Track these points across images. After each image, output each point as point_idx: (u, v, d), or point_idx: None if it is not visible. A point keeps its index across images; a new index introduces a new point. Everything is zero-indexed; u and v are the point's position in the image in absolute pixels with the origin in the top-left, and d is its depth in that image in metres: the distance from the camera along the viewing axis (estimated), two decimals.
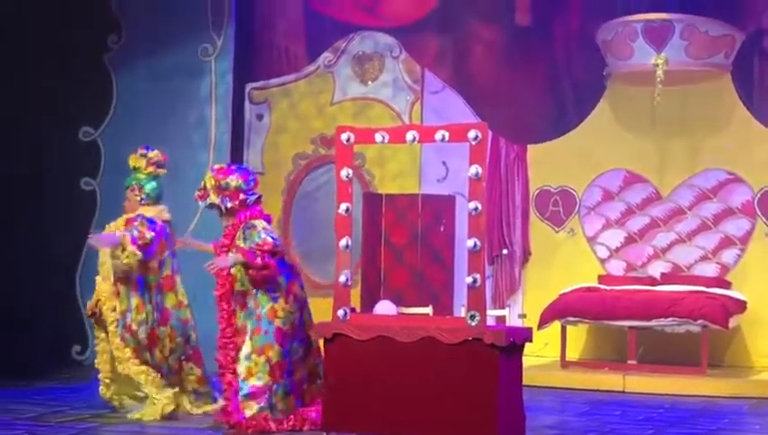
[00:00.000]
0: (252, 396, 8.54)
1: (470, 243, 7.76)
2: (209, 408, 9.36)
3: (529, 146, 13.51)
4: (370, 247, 11.63)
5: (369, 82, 13.49)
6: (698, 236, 13.02)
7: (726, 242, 12.92)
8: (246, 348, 8.57)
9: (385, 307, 8.53)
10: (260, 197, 8.88)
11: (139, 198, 9.38)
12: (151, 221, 9.22)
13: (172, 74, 12.91)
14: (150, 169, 9.44)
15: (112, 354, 9.24)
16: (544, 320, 12.04)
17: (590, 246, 13.37)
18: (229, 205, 8.71)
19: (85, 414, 9.24)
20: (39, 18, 12.10)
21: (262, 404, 8.52)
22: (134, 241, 9.00)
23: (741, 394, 11.12)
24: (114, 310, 9.15)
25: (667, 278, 12.69)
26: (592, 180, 13.37)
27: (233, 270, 8.60)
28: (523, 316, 12.39)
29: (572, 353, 12.52)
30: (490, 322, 8.52)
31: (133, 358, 9.13)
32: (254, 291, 8.60)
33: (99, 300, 9.25)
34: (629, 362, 11.92)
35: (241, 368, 8.57)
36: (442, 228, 11.80)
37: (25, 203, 11.90)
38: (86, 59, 12.92)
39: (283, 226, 13.17)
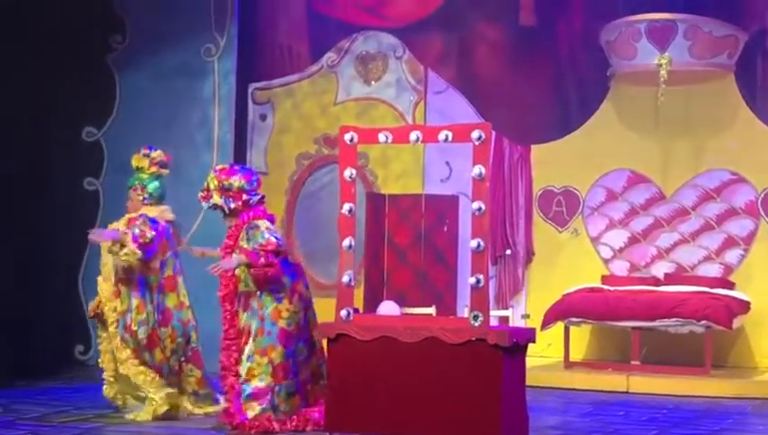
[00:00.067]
0: (254, 397, 8.53)
1: (473, 243, 7.76)
2: (211, 409, 9.36)
3: (532, 146, 13.51)
4: (373, 248, 11.62)
5: (373, 82, 13.48)
6: (702, 236, 13.02)
7: (730, 242, 12.91)
8: (249, 349, 8.57)
9: (388, 308, 8.52)
10: (263, 197, 8.87)
11: (141, 198, 9.38)
12: (153, 221, 9.22)
13: (175, 75, 12.91)
14: (153, 168, 9.44)
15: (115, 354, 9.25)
16: (548, 320, 12.03)
17: (594, 246, 13.37)
18: (232, 205, 8.71)
19: (88, 414, 9.24)
20: (42, 18, 12.10)
21: (264, 405, 8.51)
22: (135, 239, 9.00)
23: (744, 395, 11.11)
24: (115, 310, 9.16)
25: (670, 279, 12.68)
26: (596, 180, 13.37)
27: (237, 271, 8.59)
28: (526, 317, 12.40)
29: (576, 354, 12.51)
30: (493, 322, 8.52)
31: (132, 358, 9.13)
32: (258, 292, 8.59)
33: (100, 301, 9.26)
34: (633, 362, 11.91)
35: (243, 369, 8.57)
36: (445, 229, 11.79)
37: (28, 203, 11.90)
38: (89, 59, 12.93)
39: (287, 226, 13.17)
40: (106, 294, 9.19)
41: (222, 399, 8.97)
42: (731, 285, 12.51)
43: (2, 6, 11.31)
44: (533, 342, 8.24)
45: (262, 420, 8.47)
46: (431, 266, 11.60)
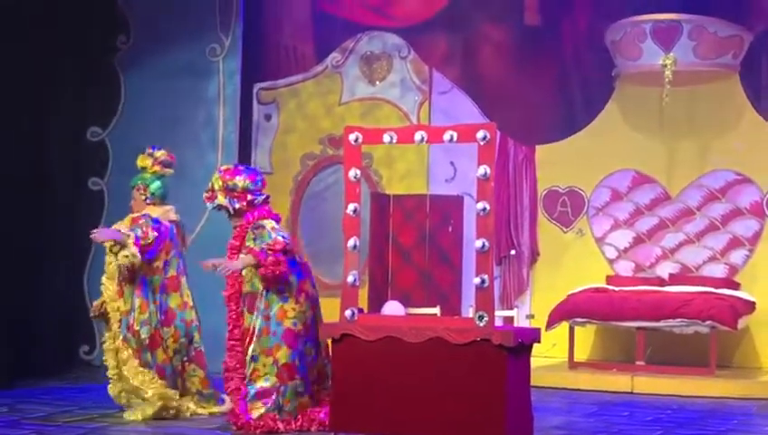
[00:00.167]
0: (259, 397, 8.54)
1: (478, 243, 7.76)
2: (215, 409, 9.37)
3: (537, 146, 13.50)
4: (378, 248, 11.61)
5: (377, 83, 13.48)
6: (707, 236, 13.01)
7: (735, 243, 12.90)
8: (252, 349, 8.57)
9: (393, 308, 8.53)
10: (268, 197, 8.87)
11: (144, 198, 9.39)
12: (156, 221, 9.23)
13: (180, 74, 12.91)
14: (156, 168, 9.45)
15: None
16: (552, 321, 12.03)
17: (599, 246, 13.36)
18: (237, 206, 8.72)
19: (93, 414, 9.24)
20: (47, 18, 12.10)
21: (269, 405, 8.51)
22: (137, 241, 9.01)
23: (750, 395, 11.10)
24: (118, 310, 9.16)
25: (675, 279, 12.67)
26: (601, 181, 13.36)
27: (243, 271, 8.60)
28: (531, 317, 12.42)
29: (580, 354, 12.50)
30: (498, 322, 8.51)
31: (132, 358, 9.13)
32: (264, 291, 8.59)
33: (104, 301, 9.26)
34: (638, 362, 11.90)
35: (248, 369, 8.57)
36: (450, 229, 11.78)
37: (33, 203, 11.90)
38: (94, 59, 12.94)
39: (291, 226, 13.16)
40: (110, 293, 9.20)
41: (227, 399, 8.98)
42: (736, 286, 12.50)
43: (5, 6, 11.31)
44: (538, 342, 8.24)
45: (266, 421, 8.48)
46: (436, 267, 11.59)
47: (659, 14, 12.58)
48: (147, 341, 9.17)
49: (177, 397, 9.25)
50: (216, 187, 8.77)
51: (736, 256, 12.89)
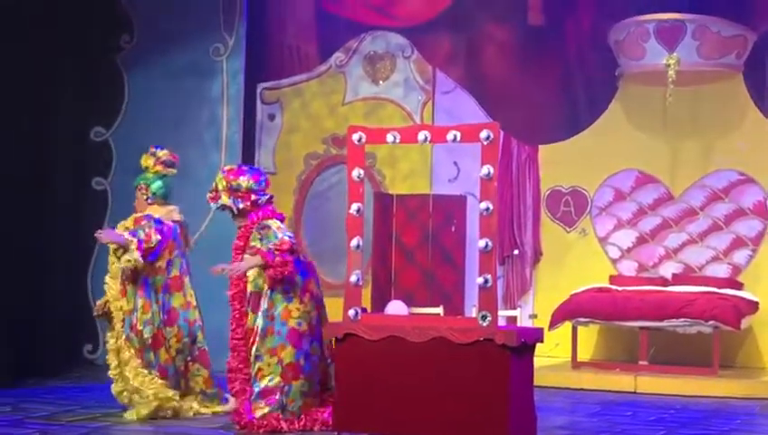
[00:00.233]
0: (262, 396, 8.54)
1: (481, 243, 7.76)
2: (219, 408, 9.38)
3: (540, 146, 13.51)
4: (381, 247, 11.62)
5: (381, 82, 13.49)
6: (710, 236, 13.01)
7: (738, 243, 12.90)
8: (256, 349, 8.57)
9: (396, 307, 8.53)
10: (272, 197, 8.88)
11: (145, 197, 9.41)
12: (158, 222, 9.24)
13: (184, 74, 12.92)
14: (158, 167, 9.46)
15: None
16: (555, 320, 12.03)
17: (602, 246, 13.36)
18: (241, 206, 8.73)
19: (96, 413, 9.25)
20: (50, 18, 12.11)
21: (272, 405, 8.52)
22: (140, 244, 9.01)
23: (753, 395, 11.10)
24: (121, 309, 9.17)
25: (678, 279, 12.68)
26: (604, 181, 13.37)
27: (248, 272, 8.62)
28: (534, 317, 12.40)
29: (584, 354, 12.51)
30: (501, 322, 8.52)
31: (134, 358, 9.13)
32: (269, 291, 8.59)
33: (108, 300, 9.27)
34: (641, 362, 11.90)
35: (252, 369, 8.58)
36: (453, 229, 11.78)
37: (36, 203, 11.91)
38: (98, 58, 12.95)
39: (295, 225, 13.17)
40: (113, 292, 9.21)
41: (230, 398, 8.99)
42: (739, 286, 12.50)
43: (5, 6, 11.31)
44: (541, 342, 8.24)
45: (270, 420, 8.48)
46: (439, 266, 11.60)
47: (663, 13, 12.58)
48: (150, 340, 9.17)
49: (177, 397, 9.24)
50: (220, 187, 8.78)
51: (739, 256, 12.89)
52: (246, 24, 13.07)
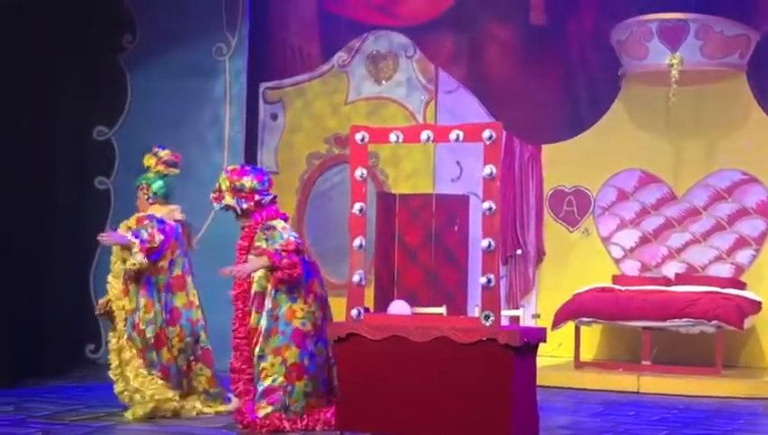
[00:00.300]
0: (265, 396, 8.54)
1: (484, 243, 7.75)
2: (222, 408, 9.38)
3: (543, 146, 13.50)
4: (384, 247, 11.61)
5: (383, 82, 13.48)
6: (713, 236, 13.00)
7: (741, 242, 12.89)
8: (260, 349, 8.57)
9: (399, 307, 8.52)
10: (275, 197, 8.88)
11: (146, 197, 9.41)
12: (161, 222, 9.24)
13: (186, 74, 12.92)
14: (160, 167, 9.46)
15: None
16: (558, 320, 12.03)
17: (605, 246, 13.35)
18: (245, 206, 8.73)
19: (99, 413, 9.25)
20: (53, 17, 12.12)
21: (275, 405, 8.51)
22: (143, 244, 9.01)
23: (756, 395, 11.09)
24: (123, 308, 9.17)
25: (681, 279, 12.67)
26: (607, 180, 13.36)
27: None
28: (536, 316, 12.37)
29: (586, 354, 12.50)
30: (504, 322, 8.50)
31: (135, 358, 9.13)
32: (273, 291, 8.59)
33: (110, 299, 9.28)
34: (644, 362, 11.90)
35: (256, 369, 8.57)
36: (456, 228, 11.78)
37: (39, 202, 11.92)
38: (101, 58, 12.95)
39: (298, 225, 13.17)
40: (115, 292, 9.21)
41: (233, 398, 8.98)
42: (742, 286, 12.49)
43: (5, 6, 11.32)
44: (544, 341, 8.24)
45: (272, 420, 8.48)
46: (442, 266, 11.59)
47: (666, 13, 12.56)
48: (152, 340, 9.17)
49: (177, 398, 9.24)
50: (224, 187, 8.77)
51: (742, 256, 12.88)
52: (249, 23, 13.08)
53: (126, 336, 9.15)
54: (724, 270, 12.85)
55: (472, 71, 13.80)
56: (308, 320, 8.60)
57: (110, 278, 9.29)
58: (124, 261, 9.11)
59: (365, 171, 8.09)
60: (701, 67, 12.54)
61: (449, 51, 13.89)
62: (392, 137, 8.08)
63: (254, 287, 8.62)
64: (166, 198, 9.46)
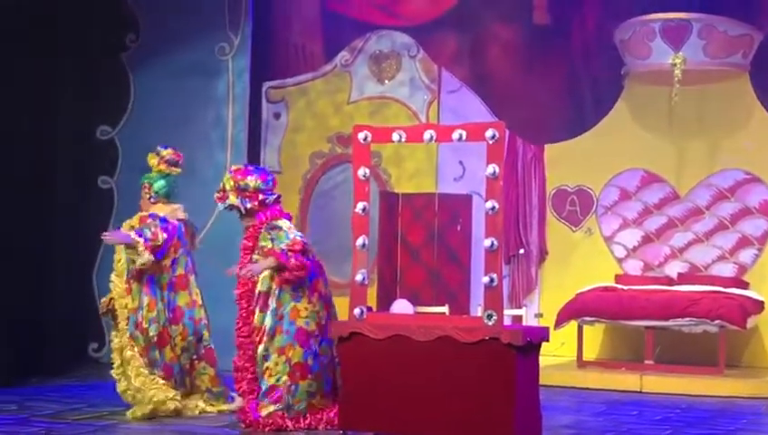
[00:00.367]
0: (268, 395, 8.55)
1: (487, 242, 7.76)
2: (224, 407, 9.38)
3: (546, 145, 13.49)
4: (387, 246, 11.62)
5: (386, 81, 13.48)
6: (716, 235, 12.99)
7: (744, 242, 12.88)
8: (263, 348, 8.57)
9: (401, 306, 8.53)
10: (279, 196, 8.89)
11: (148, 196, 9.43)
12: (163, 220, 9.25)
13: (189, 73, 12.92)
14: (162, 166, 9.48)
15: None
16: (561, 319, 12.03)
17: (608, 245, 13.35)
18: (249, 206, 8.73)
19: (102, 412, 9.26)
20: (56, 17, 12.12)
21: (278, 404, 8.52)
22: (146, 242, 9.03)
23: (759, 395, 11.09)
24: (126, 307, 9.18)
25: (684, 278, 12.66)
26: (609, 180, 13.35)
27: None
28: (539, 316, 12.41)
29: (589, 353, 12.49)
30: (507, 321, 8.52)
31: (136, 358, 9.14)
32: (277, 290, 8.59)
33: (113, 298, 9.29)
34: (646, 361, 11.90)
35: (260, 368, 8.58)
36: (459, 228, 11.78)
37: (42, 201, 11.93)
38: (104, 57, 12.96)
39: (300, 224, 13.17)
40: (118, 290, 9.22)
41: (236, 397, 8.99)
42: (745, 285, 12.48)
43: (5, 6, 11.32)
44: (547, 341, 8.24)
45: (275, 419, 8.49)
46: (444, 265, 11.60)
47: (669, 12, 12.56)
48: (155, 338, 9.18)
49: (179, 397, 9.24)
50: (228, 187, 8.78)
51: (745, 256, 12.88)
52: (252, 23, 13.08)
53: (128, 335, 9.16)
54: (726, 270, 12.85)
55: (475, 70, 13.80)
56: (312, 319, 8.61)
57: (112, 277, 9.30)
58: (133, 262, 9.13)
59: (368, 171, 8.10)
60: (704, 67, 12.54)
61: (452, 50, 13.89)
62: (395, 136, 8.09)
63: (259, 286, 8.63)
64: (168, 197, 9.47)
